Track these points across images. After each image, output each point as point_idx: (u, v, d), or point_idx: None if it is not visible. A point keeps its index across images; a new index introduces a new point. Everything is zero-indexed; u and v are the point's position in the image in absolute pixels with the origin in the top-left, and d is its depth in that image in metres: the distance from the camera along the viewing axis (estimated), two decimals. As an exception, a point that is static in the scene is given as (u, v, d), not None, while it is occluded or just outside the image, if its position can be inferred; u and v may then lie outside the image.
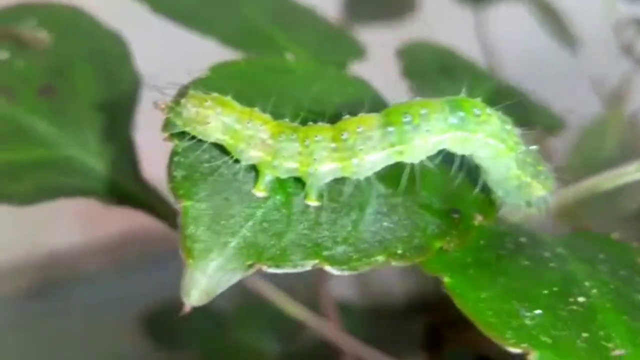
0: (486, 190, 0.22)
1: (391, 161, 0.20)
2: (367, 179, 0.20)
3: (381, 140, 0.19)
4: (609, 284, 0.21)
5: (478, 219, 0.21)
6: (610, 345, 0.18)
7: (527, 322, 0.18)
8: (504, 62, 0.67)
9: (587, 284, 0.21)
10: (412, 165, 0.21)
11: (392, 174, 0.21)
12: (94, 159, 0.28)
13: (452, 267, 0.20)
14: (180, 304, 0.17)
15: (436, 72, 0.35)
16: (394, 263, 0.19)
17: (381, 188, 0.21)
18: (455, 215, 0.21)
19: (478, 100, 0.20)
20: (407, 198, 0.21)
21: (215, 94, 0.20)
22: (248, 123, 0.19)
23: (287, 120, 0.20)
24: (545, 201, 0.22)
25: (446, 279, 0.19)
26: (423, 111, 0.19)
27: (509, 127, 0.20)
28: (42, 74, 0.30)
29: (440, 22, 0.79)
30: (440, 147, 0.20)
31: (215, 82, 0.24)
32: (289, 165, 0.19)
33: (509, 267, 0.20)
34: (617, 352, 0.18)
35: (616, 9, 0.70)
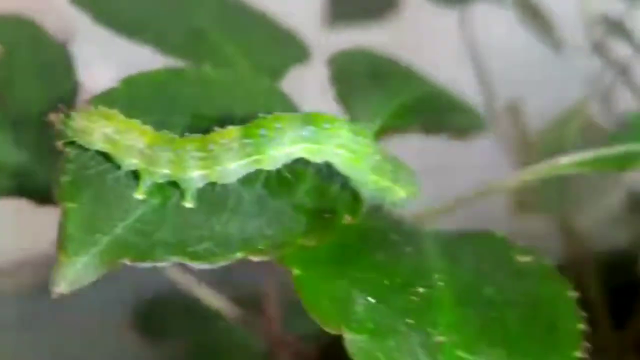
0: (354, 192, 0.24)
1: (252, 169, 0.22)
2: (244, 182, 0.23)
3: (240, 151, 0.21)
4: (461, 278, 0.24)
5: (347, 219, 0.24)
6: (434, 332, 0.20)
7: (358, 309, 0.20)
8: (489, 61, 0.69)
9: (436, 276, 0.23)
10: (286, 169, 0.23)
11: (269, 178, 0.24)
12: (30, 162, 0.31)
13: (307, 261, 0.22)
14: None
15: (365, 79, 0.37)
16: (253, 258, 0.21)
17: (257, 191, 0.24)
18: (327, 215, 0.24)
19: (332, 115, 0.23)
20: (282, 200, 0.24)
21: (102, 108, 0.22)
22: (127, 134, 0.22)
23: (166, 132, 0.23)
24: (408, 201, 0.24)
25: (295, 271, 0.21)
26: (278, 125, 0.21)
27: (360, 138, 0.22)
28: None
29: (424, 22, 0.81)
30: (295, 157, 0.22)
31: (126, 92, 0.27)
32: (163, 172, 0.22)
33: (363, 261, 0.23)
34: (438, 339, 0.20)
35: (591, 6, 0.70)
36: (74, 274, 0.20)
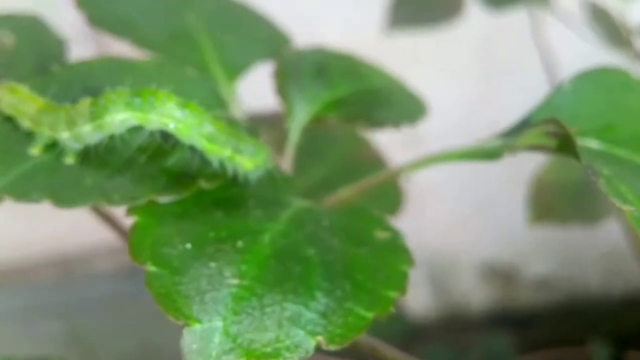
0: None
1: (100, 132, 0.27)
2: (123, 146, 0.28)
3: (87, 116, 0.27)
4: (290, 239, 0.27)
5: (201, 182, 0.28)
6: (230, 275, 0.24)
7: (171, 251, 0.25)
8: (561, 66, 0.70)
9: (266, 236, 0.27)
10: (164, 140, 0.28)
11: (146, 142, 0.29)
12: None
13: (153, 213, 0.26)
14: None
15: (308, 75, 0.41)
16: (107, 203, 0.26)
17: (131, 154, 0.28)
18: (185, 179, 0.28)
19: (158, 90, 0.27)
20: (152, 164, 0.28)
21: (13, 83, 0.28)
22: (24, 103, 0.27)
23: (54, 102, 0.28)
24: (258, 173, 0.28)
25: (136, 218, 0.26)
26: (113, 97, 0.26)
27: (187, 111, 0.26)
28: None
29: (492, 25, 0.81)
30: (129, 124, 0.27)
31: (63, 76, 0.33)
32: (45, 133, 0.27)
33: (199, 217, 0.27)
34: (230, 281, 0.24)
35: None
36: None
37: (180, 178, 0.28)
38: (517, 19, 0.72)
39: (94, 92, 0.31)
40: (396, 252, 0.28)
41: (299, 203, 0.31)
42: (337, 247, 0.27)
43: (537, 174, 0.61)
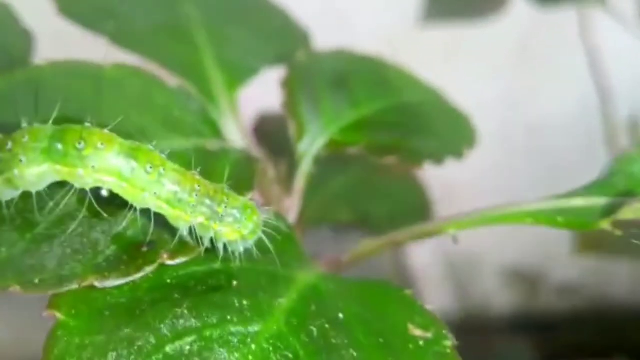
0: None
1: (9, 188, 0.18)
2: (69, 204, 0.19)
3: None
4: (289, 350, 0.18)
5: (163, 257, 0.19)
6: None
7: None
8: (610, 71, 0.64)
9: (253, 347, 0.18)
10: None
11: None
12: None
13: (88, 305, 0.18)
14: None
15: (327, 85, 0.32)
16: (25, 292, 0.18)
17: (71, 209, 0.20)
18: (145, 249, 0.19)
19: (92, 129, 0.18)
20: (93, 226, 0.20)
21: None
22: None
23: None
24: (246, 245, 0.19)
25: (58, 316, 0.17)
26: (24, 139, 0.17)
27: (134, 163, 0.18)
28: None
29: (539, 21, 0.75)
30: (49, 179, 0.18)
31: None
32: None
33: (158, 313, 0.18)
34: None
35: None
36: None
37: (136, 248, 0.19)
38: (559, 15, 0.65)
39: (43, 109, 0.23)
40: (441, 365, 0.20)
41: (305, 277, 0.22)
42: (356, 362, 0.19)
43: None
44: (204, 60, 0.34)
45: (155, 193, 0.18)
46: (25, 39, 0.35)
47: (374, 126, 0.30)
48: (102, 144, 0.17)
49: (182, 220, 0.18)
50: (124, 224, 0.20)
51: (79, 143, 0.17)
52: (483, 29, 0.69)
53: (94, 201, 0.19)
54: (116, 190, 0.18)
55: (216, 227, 0.19)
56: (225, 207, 0.19)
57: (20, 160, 0.17)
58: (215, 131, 0.27)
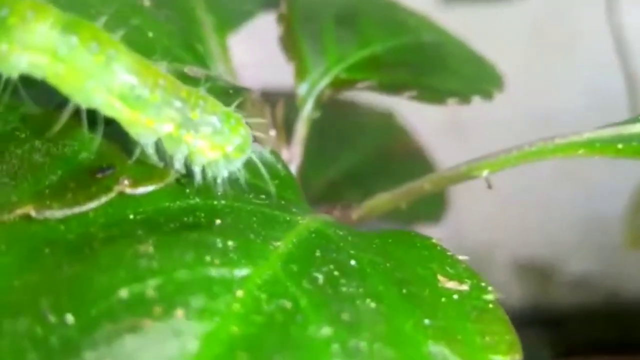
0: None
1: None
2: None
3: None
4: (286, 298, 0.14)
5: (123, 184, 0.15)
6: None
7: (37, 327, 0.12)
8: (634, 47, 0.60)
9: (238, 293, 0.13)
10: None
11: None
12: None
13: (19, 239, 0.14)
14: None
15: (331, 21, 0.27)
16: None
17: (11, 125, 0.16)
18: (100, 175, 0.15)
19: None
20: (41, 143, 0.15)
21: None
22: None
23: None
24: (224, 169, 0.15)
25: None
26: None
27: (74, 38, 0.13)
28: None
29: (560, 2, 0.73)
30: None
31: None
32: None
33: (113, 252, 0.14)
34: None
35: None
36: None
37: (89, 174, 0.15)
38: None
39: None
40: (482, 322, 0.15)
41: (308, 222, 0.18)
42: (376, 316, 0.14)
43: (637, 190, 0.49)
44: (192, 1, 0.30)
45: (103, 83, 0.13)
46: None
47: (388, 63, 0.26)
48: (32, 12, 0.13)
49: (143, 127, 0.14)
50: (75, 144, 0.15)
51: (1, 10, 0.13)
52: (501, 10, 0.65)
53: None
54: (51, 79, 0.14)
55: (190, 139, 0.14)
56: (202, 112, 0.14)
57: None
58: (198, 58, 0.23)
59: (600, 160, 0.24)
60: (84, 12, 0.22)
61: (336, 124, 0.40)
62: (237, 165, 0.15)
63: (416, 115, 0.42)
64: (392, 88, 0.24)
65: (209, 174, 0.15)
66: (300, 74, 0.26)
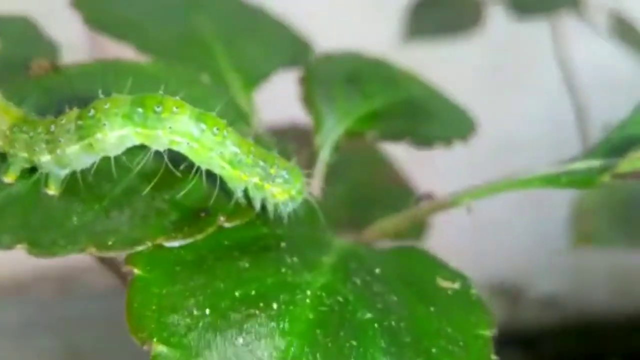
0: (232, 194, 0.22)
1: (89, 154, 0.21)
2: (120, 172, 0.22)
3: (74, 133, 0.20)
4: (340, 296, 0.21)
5: (221, 220, 0.22)
6: (265, 355, 0.18)
7: (182, 321, 0.18)
8: (584, 82, 0.67)
9: (308, 292, 0.20)
10: (174, 162, 0.22)
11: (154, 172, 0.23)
12: None
13: (159, 263, 0.20)
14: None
15: (340, 83, 0.35)
16: (97, 252, 0.20)
17: (130, 182, 0.22)
18: (203, 215, 0.22)
19: (166, 96, 0.20)
20: (159, 195, 0.22)
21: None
22: (-4, 116, 0.21)
23: (33, 114, 0.22)
24: (292, 206, 0.22)
25: (136, 271, 0.19)
26: (106, 106, 0.20)
27: (203, 125, 0.20)
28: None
29: (512, 37, 0.78)
30: (128, 143, 0.20)
31: (46, 82, 0.26)
32: (22, 155, 0.21)
33: (223, 267, 0.20)
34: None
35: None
36: None
37: (195, 214, 0.22)
38: (531, 29, 0.68)
39: (86, 102, 0.25)
40: (470, 309, 0.22)
41: (340, 243, 0.25)
42: (398, 306, 0.21)
43: (578, 197, 0.56)
44: (220, 65, 0.36)
45: (220, 153, 0.20)
46: (51, 50, 0.38)
47: (386, 116, 0.33)
48: (176, 108, 0.20)
49: (240, 180, 0.21)
50: (182, 193, 0.22)
51: (158, 107, 0.20)
52: (456, 46, 0.71)
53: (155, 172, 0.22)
54: (186, 151, 0.20)
55: (268, 187, 0.21)
56: (277, 168, 0.21)
57: (104, 125, 0.20)
58: (246, 120, 0.30)
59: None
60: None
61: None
62: (298, 203, 0.22)
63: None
64: (393, 136, 0.31)
65: (277, 210, 0.22)
66: (317, 126, 0.33)
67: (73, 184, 0.22)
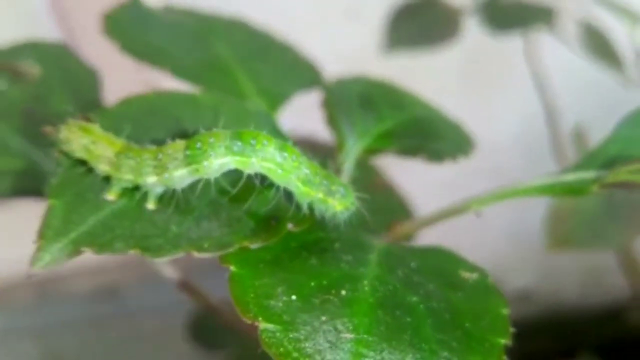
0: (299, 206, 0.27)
1: (193, 177, 0.26)
2: (203, 189, 0.27)
3: (182, 161, 0.25)
4: (389, 285, 0.26)
5: (289, 226, 0.27)
6: (344, 329, 0.23)
7: (278, 304, 0.23)
8: (555, 88, 0.71)
9: (365, 282, 0.25)
10: (248, 179, 0.27)
11: (224, 187, 0.27)
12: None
13: (245, 261, 0.25)
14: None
15: (356, 105, 0.40)
16: (196, 254, 0.25)
17: (212, 197, 0.27)
18: (273, 222, 0.27)
19: (258, 132, 0.26)
20: (236, 206, 0.27)
21: (82, 122, 0.27)
22: (99, 145, 0.26)
23: (133, 143, 0.27)
24: (346, 215, 0.27)
25: (232, 268, 0.24)
26: (211, 140, 0.25)
27: (286, 154, 0.25)
28: (27, 99, 0.39)
29: (486, 48, 0.82)
30: (227, 168, 0.25)
31: (120, 112, 0.31)
32: (127, 177, 0.26)
33: (296, 264, 0.25)
34: (346, 336, 0.23)
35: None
36: (50, 257, 0.24)
37: (267, 221, 0.27)
38: (506, 40, 0.72)
39: (161, 130, 0.30)
40: (489, 294, 0.28)
41: (378, 243, 0.30)
42: (436, 292, 0.26)
43: (553, 201, 0.61)
44: (244, 89, 0.41)
45: (297, 175, 0.25)
46: (92, 77, 0.42)
47: (399, 135, 0.38)
48: (266, 141, 0.25)
49: (309, 195, 0.26)
50: (254, 205, 0.27)
51: (253, 140, 0.25)
52: (432, 55, 0.74)
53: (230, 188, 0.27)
54: (272, 174, 0.25)
55: (331, 201, 0.26)
56: (336, 185, 0.26)
57: (210, 155, 0.25)
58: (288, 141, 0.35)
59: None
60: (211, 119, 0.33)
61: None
62: (350, 212, 0.27)
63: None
64: (408, 153, 0.37)
65: (334, 217, 0.27)
66: (340, 145, 0.38)
67: (166, 200, 0.27)
